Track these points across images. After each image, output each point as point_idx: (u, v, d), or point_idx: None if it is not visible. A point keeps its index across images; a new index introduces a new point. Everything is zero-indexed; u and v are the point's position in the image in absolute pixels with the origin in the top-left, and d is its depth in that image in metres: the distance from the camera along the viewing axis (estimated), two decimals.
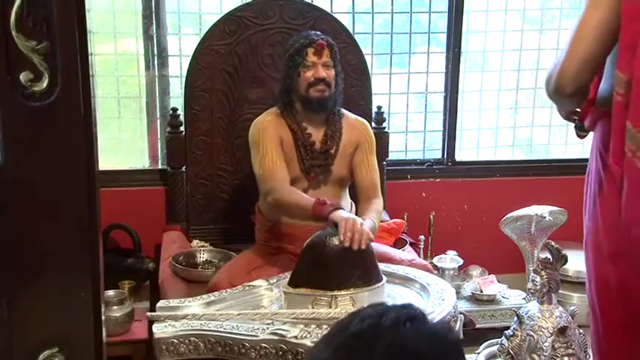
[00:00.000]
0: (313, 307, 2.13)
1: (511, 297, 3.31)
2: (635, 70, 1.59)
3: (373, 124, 3.34)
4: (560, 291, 2.56)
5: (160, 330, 2.10)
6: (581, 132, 1.91)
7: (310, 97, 2.68)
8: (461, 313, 2.48)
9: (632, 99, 1.60)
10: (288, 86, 2.73)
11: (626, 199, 1.64)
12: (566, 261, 2.45)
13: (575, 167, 3.79)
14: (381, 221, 3.24)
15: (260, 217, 2.84)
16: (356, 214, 2.65)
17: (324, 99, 2.68)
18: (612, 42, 1.65)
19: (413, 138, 3.76)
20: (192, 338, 2.08)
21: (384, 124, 3.37)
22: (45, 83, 1.23)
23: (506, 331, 2.61)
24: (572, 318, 2.43)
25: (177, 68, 3.42)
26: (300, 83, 2.68)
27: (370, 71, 3.35)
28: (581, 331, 2.41)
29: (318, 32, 2.79)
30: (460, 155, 3.74)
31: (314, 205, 2.42)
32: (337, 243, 2.19)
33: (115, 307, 2.81)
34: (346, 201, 2.85)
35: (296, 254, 2.60)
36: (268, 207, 2.73)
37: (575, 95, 1.73)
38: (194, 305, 2.25)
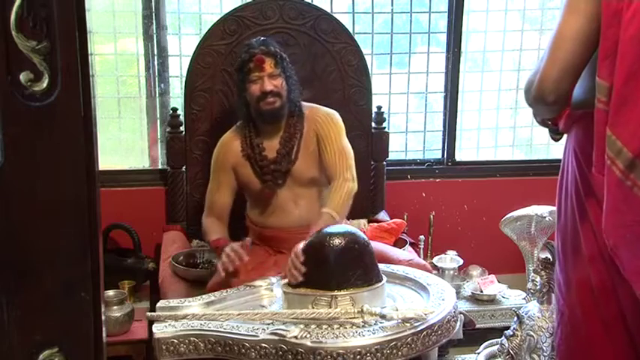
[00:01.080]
0: (313, 307, 2.13)
1: (511, 297, 3.31)
2: (614, 77, 1.57)
3: (373, 124, 3.34)
4: None
5: (159, 330, 2.10)
6: (555, 135, 1.90)
7: (262, 111, 2.65)
8: (461, 313, 2.48)
9: (612, 106, 1.59)
10: (244, 100, 2.71)
11: (605, 208, 1.64)
12: None
13: None
14: (381, 221, 3.26)
15: (249, 223, 2.88)
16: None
17: (275, 110, 2.65)
18: (593, 48, 1.63)
19: (413, 138, 3.76)
20: (192, 338, 2.08)
21: (384, 124, 3.37)
22: (45, 83, 1.23)
23: (506, 331, 2.61)
24: None
25: (177, 68, 3.42)
26: (250, 98, 2.67)
27: (370, 71, 3.35)
28: None
29: (261, 40, 2.71)
30: (460, 155, 3.74)
31: (212, 241, 2.70)
32: (337, 243, 2.19)
33: (115, 307, 2.82)
34: None
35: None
36: (254, 213, 2.83)
37: (557, 103, 1.72)
38: (194, 305, 2.25)
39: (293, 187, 2.73)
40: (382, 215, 3.34)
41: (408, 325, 2.04)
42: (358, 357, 1.95)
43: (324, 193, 2.65)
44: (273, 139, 2.72)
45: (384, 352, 1.97)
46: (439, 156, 3.72)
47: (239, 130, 2.79)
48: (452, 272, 3.38)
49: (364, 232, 2.87)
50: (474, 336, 3.02)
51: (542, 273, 2.48)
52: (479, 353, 2.88)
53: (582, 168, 1.75)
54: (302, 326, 2.05)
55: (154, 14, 3.35)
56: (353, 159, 2.70)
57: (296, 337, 1.98)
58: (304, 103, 2.79)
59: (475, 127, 3.80)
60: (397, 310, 2.09)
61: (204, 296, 2.32)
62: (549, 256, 2.47)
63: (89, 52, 1.28)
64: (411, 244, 3.20)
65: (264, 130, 2.73)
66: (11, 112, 1.24)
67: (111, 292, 2.87)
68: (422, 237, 3.47)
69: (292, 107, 2.70)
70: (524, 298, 3.02)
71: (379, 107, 3.37)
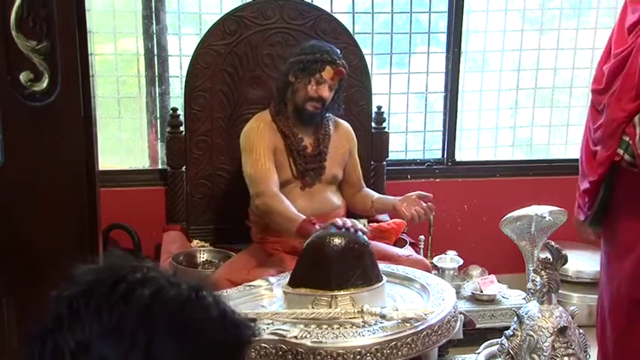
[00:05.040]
0: (313, 307, 2.13)
1: (511, 297, 3.30)
2: None
3: (373, 124, 3.34)
4: (560, 291, 2.56)
5: None
6: None
7: (304, 109, 2.78)
8: (461, 313, 2.48)
9: None
10: (287, 84, 2.80)
11: None
12: (566, 261, 2.45)
13: (575, 167, 3.77)
14: (381, 221, 3.26)
15: (254, 216, 2.88)
16: (355, 207, 2.99)
17: (314, 114, 2.81)
18: None
19: (413, 138, 3.76)
20: None
21: (384, 124, 3.37)
22: (45, 83, 1.23)
23: (506, 331, 2.61)
24: (572, 318, 2.42)
25: (177, 68, 3.42)
26: (301, 92, 2.76)
27: (370, 71, 3.35)
28: (581, 331, 2.40)
29: (338, 52, 2.83)
30: (460, 155, 3.74)
31: (302, 223, 2.48)
32: (337, 243, 2.19)
33: None
34: (338, 198, 2.95)
35: (294, 249, 2.62)
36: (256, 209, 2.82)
37: None
38: None
39: (315, 184, 2.86)
40: (382, 215, 3.34)
41: (408, 325, 2.04)
42: (358, 357, 1.95)
43: (361, 194, 3.02)
44: (308, 135, 2.87)
45: (384, 352, 1.97)
46: (439, 156, 3.72)
47: (271, 117, 2.85)
48: (452, 272, 3.38)
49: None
50: (473, 336, 3.01)
51: (542, 273, 2.47)
52: (479, 353, 2.88)
53: None
54: (302, 326, 2.04)
55: (154, 14, 3.35)
56: None
57: (296, 337, 1.98)
58: None
59: (475, 127, 3.80)
60: (397, 310, 2.09)
61: None
62: (549, 256, 2.46)
63: (89, 52, 1.28)
64: (411, 244, 3.19)
65: (297, 123, 2.85)
66: (11, 112, 1.24)
67: None
68: (422, 237, 3.46)
69: (326, 113, 2.88)
70: (524, 298, 3.01)
71: (379, 107, 3.37)
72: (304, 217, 2.52)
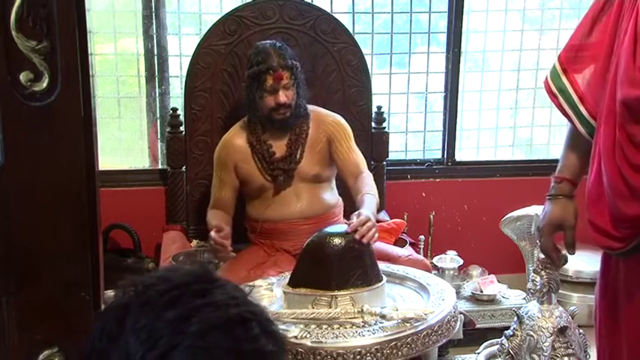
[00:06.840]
0: (313, 307, 2.13)
1: (511, 297, 3.31)
2: None
3: (373, 124, 3.34)
4: (560, 291, 2.56)
5: None
6: None
7: (272, 119, 2.76)
8: (461, 313, 2.48)
9: None
10: (252, 99, 2.78)
11: None
12: (566, 261, 2.45)
13: None
14: (381, 221, 3.26)
15: (249, 221, 2.91)
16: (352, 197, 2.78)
17: (285, 120, 2.76)
18: None
19: (413, 138, 3.76)
20: None
21: (384, 124, 3.37)
22: (45, 83, 1.23)
23: (506, 331, 2.61)
24: (572, 318, 2.43)
25: (177, 68, 3.42)
26: (262, 106, 2.74)
27: (370, 71, 3.35)
28: (581, 331, 2.40)
29: (277, 46, 2.75)
30: (460, 155, 3.74)
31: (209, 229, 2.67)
32: (337, 243, 2.19)
33: None
34: (332, 197, 2.91)
35: (289, 251, 2.63)
36: (253, 209, 2.87)
37: None
38: None
39: (295, 182, 2.82)
40: (382, 215, 3.33)
41: (408, 325, 2.04)
42: (358, 357, 1.95)
43: (356, 185, 2.76)
44: (281, 138, 2.81)
45: (384, 352, 1.97)
46: (439, 156, 3.72)
47: (244, 126, 2.86)
48: (452, 272, 3.38)
49: None
50: (473, 336, 3.01)
51: (542, 273, 2.47)
52: (479, 353, 2.88)
53: None
54: (302, 326, 2.05)
55: (154, 14, 3.35)
56: None
57: (296, 337, 1.99)
58: (307, 105, 2.87)
59: (475, 127, 3.80)
60: (397, 310, 2.09)
61: None
62: None
63: (89, 52, 1.28)
64: (411, 244, 3.19)
65: (271, 129, 2.81)
66: (11, 112, 1.24)
67: (111, 292, 2.86)
68: (422, 237, 3.47)
69: (299, 111, 2.79)
70: (524, 298, 3.02)
71: (379, 107, 3.37)
72: (216, 222, 2.68)
